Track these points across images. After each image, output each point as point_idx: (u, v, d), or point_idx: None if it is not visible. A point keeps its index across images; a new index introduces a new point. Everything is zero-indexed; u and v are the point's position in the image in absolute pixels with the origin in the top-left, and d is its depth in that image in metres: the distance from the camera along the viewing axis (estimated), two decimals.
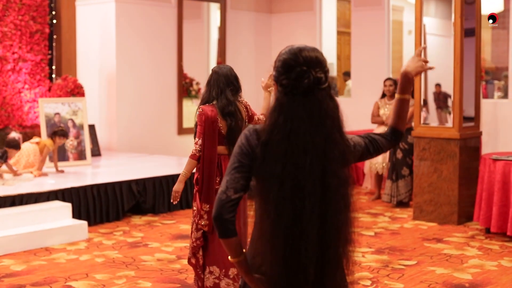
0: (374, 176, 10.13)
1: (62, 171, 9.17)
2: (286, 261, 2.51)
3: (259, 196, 2.58)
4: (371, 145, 2.83)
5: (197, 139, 5.06)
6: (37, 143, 9.08)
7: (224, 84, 5.09)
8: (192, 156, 5.07)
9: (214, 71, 5.16)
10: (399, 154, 9.34)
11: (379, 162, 9.77)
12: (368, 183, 10.45)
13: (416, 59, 2.88)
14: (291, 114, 2.51)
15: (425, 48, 2.92)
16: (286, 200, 2.49)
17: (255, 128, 2.62)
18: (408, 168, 9.34)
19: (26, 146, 9.10)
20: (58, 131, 9.11)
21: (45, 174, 8.96)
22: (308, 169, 2.49)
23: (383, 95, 9.92)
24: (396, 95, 2.88)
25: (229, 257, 2.63)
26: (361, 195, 10.18)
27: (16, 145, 8.61)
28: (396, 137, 2.89)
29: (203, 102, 5.15)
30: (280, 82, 2.58)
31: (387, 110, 9.65)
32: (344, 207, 2.57)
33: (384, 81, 9.95)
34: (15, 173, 8.67)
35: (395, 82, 9.85)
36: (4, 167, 8.50)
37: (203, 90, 5.32)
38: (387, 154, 9.61)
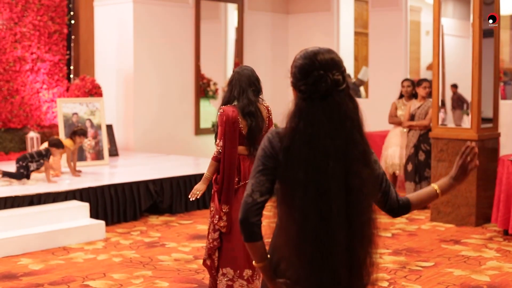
0: (390, 177, 10.10)
1: (79, 172, 9.18)
2: (314, 265, 2.50)
3: (283, 201, 2.57)
4: (384, 185, 2.78)
5: (218, 140, 5.04)
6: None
7: (246, 84, 5.07)
8: (214, 158, 5.05)
9: (236, 72, 5.13)
10: (422, 156, 9.29)
11: (397, 163, 9.75)
12: None
13: (458, 165, 2.82)
14: (311, 119, 2.50)
15: (472, 148, 2.89)
16: (311, 205, 2.48)
17: (277, 131, 2.62)
18: (430, 170, 9.32)
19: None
20: (77, 131, 9.11)
21: (78, 174, 9.02)
22: (330, 173, 2.48)
23: (401, 96, 9.91)
24: (434, 186, 2.84)
25: (253, 262, 2.62)
26: None
27: (58, 144, 8.67)
28: (403, 210, 2.83)
29: (224, 102, 5.12)
30: (298, 88, 2.57)
31: (404, 111, 9.64)
32: (368, 207, 2.57)
33: (402, 82, 9.94)
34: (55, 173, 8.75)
35: (413, 83, 9.83)
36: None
37: (220, 90, 5.30)
38: (403, 154, 9.58)
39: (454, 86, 9.91)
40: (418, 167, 9.35)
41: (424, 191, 2.86)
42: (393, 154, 9.79)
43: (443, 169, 8.42)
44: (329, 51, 2.58)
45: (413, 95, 9.76)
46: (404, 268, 6.48)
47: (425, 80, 9.70)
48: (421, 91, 9.50)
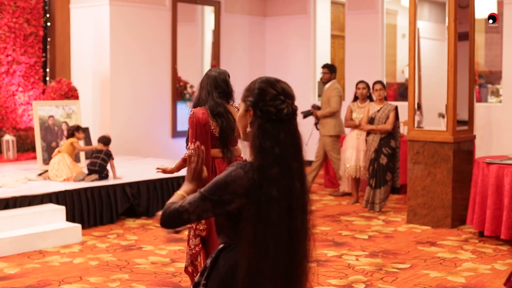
0: (351, 180, 10.06)
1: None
2: (286, 276, 2.67)
3: (258, 219, 2.63)
4: None
5: (190, 143, 5.06)
6: (59, 151, 8.96)
7: (212, 86, 5.12)
8: (183, 159, 5.15)
9: (206, 74, 5.23)
10: (383, 160, 9.17)
11: (352, 165, 9.66)
12: (345, 186, 10.38)
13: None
14: (277, 140, 2.66)
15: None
16: (283, 222, 2.64)
17: (240, 166, 2.68)
18: (391, 173, 9.28)
19: (53, 161, 8.90)
20: (78, 126, 9.18)
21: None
22: (296, 192, 2.68)
23: (356, 98, 9.86)
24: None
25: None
26: (340, 199, 10.12)
27: (108, 141, 9.04)
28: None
29: (194, 105, 5.18)
30: (264, 108, 2.70)
31: (360, 114, 9.63)
32: (309, 223, 2.78)
33: (357, 84, 9.85)
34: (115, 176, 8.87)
35: (368, 85, 9.77)
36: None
37: (196, 93, 5.35)
38: (359, 157, 9.57)
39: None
40: (378, 172, 9.24)
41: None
42: (350, 157, 9.70)
43: (419, 171, 8.47)
44: (284, 82, 2.77)
45: (368, 97, 9.74)
46: (381, 270, 6.51)
47: (379, 82, 9.58)
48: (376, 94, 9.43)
